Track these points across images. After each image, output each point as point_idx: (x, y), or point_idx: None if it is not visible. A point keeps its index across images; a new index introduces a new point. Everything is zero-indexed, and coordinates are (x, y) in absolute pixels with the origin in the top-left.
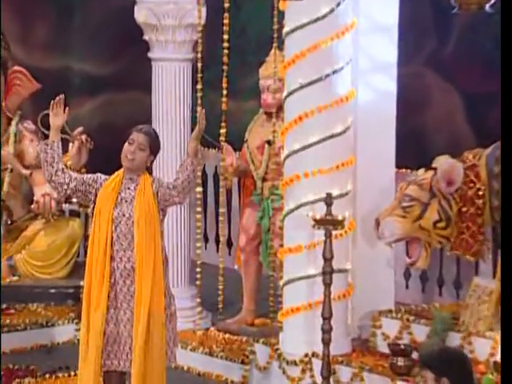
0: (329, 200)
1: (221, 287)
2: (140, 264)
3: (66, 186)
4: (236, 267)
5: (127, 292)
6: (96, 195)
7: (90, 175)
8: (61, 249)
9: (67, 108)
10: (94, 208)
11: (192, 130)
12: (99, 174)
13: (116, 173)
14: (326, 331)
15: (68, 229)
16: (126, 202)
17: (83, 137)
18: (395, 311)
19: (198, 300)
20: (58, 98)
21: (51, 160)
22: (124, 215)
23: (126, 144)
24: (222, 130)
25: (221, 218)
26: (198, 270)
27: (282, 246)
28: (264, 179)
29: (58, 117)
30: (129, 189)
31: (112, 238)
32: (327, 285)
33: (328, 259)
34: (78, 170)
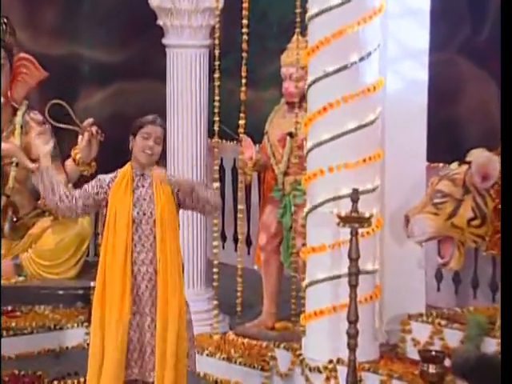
0: (355, 196)
1: (239, 289)
2: (163, 266)
3: (74, 208)
4: (255, 267)
5: (149, 297)
6: (106, 199)
7: (91, 184)
8: (69, 247)
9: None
10: (106, 211)
11: (209, 121)
12: (100, 177)
13: (121, 170)
14: (352, 336)
15: (77, 226)
16: (144, 200)
17: (93, 128)
18: (426, 315)
19: (215, 302)
20: (43, 128)
21: (51, 187)
22: (144, 214)
23: (141, 138)
24: (241, 122)
25: (239, 215)
26: (215, 270)
27: (304, 245)
28: (285, 174)
29: (47, 144)
30: (143, 186)
31: (132, 240)
32: (353, 286)
33: (354, 259)
34: (88, 164)
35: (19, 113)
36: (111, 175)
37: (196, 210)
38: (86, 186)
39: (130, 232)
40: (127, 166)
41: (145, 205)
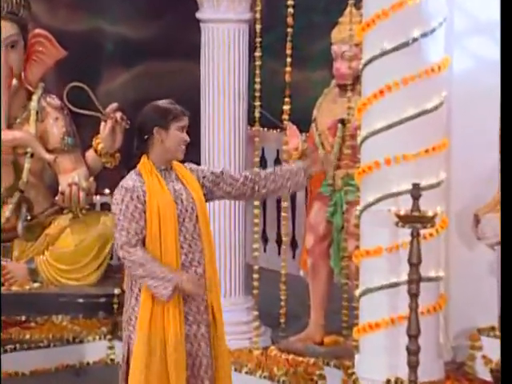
0: (416, 192)
1: (283, 297)
2: (212, 265)
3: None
4: (301, 273)
5: (201, 302)
6: (145, 203)
7: (130, 205)
8: (91, 250)
9: None
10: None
11: (249, 106)
12: (125, 185)
13: (141, 168)
14: (413, 352)
15: (99, 226)
16: (181, 195)
17: (118, 115)
18: (499, 329)
19: (256, 313)
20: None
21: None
22: (187, 211)
23: (177, 132)
24: (286, 107)
25: (283, 214)
26: (256, 276)
27: (357, 247)
28: (336, 167)
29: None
30: (173, 181)
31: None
32: (414, 296)
33: (415, 264)
34: (111, 155)
35: (34, 97)
36: (130, 179)
37: (230, 196)
38: (127, 213)
39: (177, 233)
40: (145, 162)
41: (185, 201)
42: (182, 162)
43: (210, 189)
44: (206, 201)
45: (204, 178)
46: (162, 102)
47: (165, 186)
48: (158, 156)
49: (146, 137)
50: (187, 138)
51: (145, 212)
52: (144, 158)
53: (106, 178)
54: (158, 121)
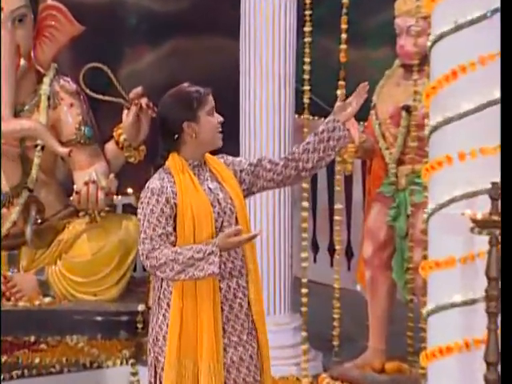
0: (495, 192)
1: (336, 316)
2: (255, 276)
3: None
4: (358, 288)
5: (245, 319)
6: (176, 206)
7: (157, 208)
8: (111, 259)
9: None
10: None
11: (296, 91)
12: (152, 186)
13: (171, 166)
14: (492, 382)
15: (121, 231)
16: (218, 195)
17: (143, 101)
18: None
19: (304, 334)
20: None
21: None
22: (225, 213)
23: (208, 117)
24: (340, 91)
25: (336, 218)
26: (304, 291)
27: (425, 257)
28: (400, 162)
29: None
30: (207, 180)
31: None
32: (493, 315)
33: (493, 278)
34: (135, 148)
35: (46, 80)
36: (158, 178)
37: (274, 184)
38: (152, 218)
39: (214, 231)
40: (176, 159)
41: (222, 201)
42: (214, 153)
43: (250, 182)
44: (247, 195)
45: (242, 171)
46: (180, 89)
47: (199, 185)
48: (190, 151)
49: (175, 136)
50: (220, 118)
51: (175, 216)
52: (174, 155)
53: (129, 175)
54: (185, 114)
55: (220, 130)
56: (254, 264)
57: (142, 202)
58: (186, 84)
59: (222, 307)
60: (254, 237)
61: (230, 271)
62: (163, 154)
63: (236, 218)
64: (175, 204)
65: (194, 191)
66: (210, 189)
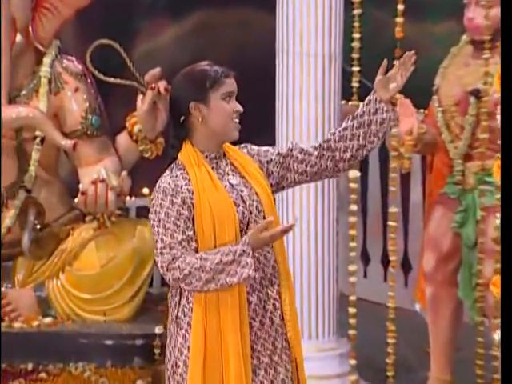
0: None
1: (391, 341)
2: (285, 288)
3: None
4: (417, 307)
5: (278, 336)
6: (193, 207)
7: (175, 211)
8: (123, 272)
9: None
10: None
11: (344, 72)
12: (164, 186)
13: (184, 159)
14: None
15: (135, 239)
16: (241, 191)
17: (161, 84)
18: None
19: (353, 362)
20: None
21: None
22: (251, 213)
23: (222, 102)
24: None
25: (391, 224)
26: (352, 311)
27: (498, 272)
28: (467, 157)
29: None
30: (228, 174)
31: None
32: None
33: None
34: (151, 141)
35: (46, 60)
36: (170, 175)
37: (307, 178)
38: (168, 223)
39: (238, 233)
40: (189, 151)
41: (247, 199)
42: (235, 143)
43: (279, 175)
44: (276, 191)
45: (269, 163)
46: (195, 67)
47: (218, 181)
48: (203, 140)
49: (182, 118)
50: (238, 107)
51: (193, 219)
52: (186, 146)
53: (145, 172)
54: (194, 93)
55: (236, 119)
56: (287, 270)
57: (153, 205)
58: (204, 62)
59: (250, 323)
60: (290, 228)
61: (261, 281)
62: (174, 142)
63: (264, 218)
64: (192, 205)
65: (212, 188)
66: (231, 185)
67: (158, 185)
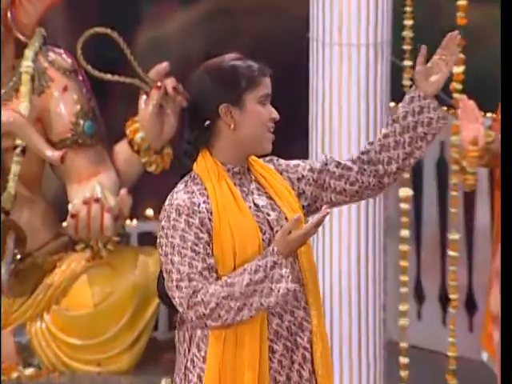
0: None
1: None
2: (319, 330)
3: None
4: (484, 357)
5: (298, 381)
6: (212, 230)
7: (192, 234)
8: (122, 312)
9: None
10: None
11: (392, 67)
12: (178, 204)
13: (201, 172)
14: None
15: (136, 271)
16: (268, 215)
17: (168, 82)
18: None
19: None
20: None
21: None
22: None
23: (258, 106)
24: (457, 69)
25: (451, 254)
26: (404, 361)
27: None
28: None
29: None
30: (253, 193)
31: None
32: None
33: None
34: (157, 151)
35: (29, 52)
36: (185, 191)
37: (346, 197)
38: (185, 249)
39: None
40: (208, 162)
41: (274, 224)
42: (260, 156)
43: (312, 195)
44: (309, 214)
45: (300, 180)
46: (223, 61)
47: (242, 200)
48: (227, 151)
49: (206, 123)
50: (275, 114)
51: (212, 243)
52: (205, 156)
53: (149, 190)
54: (225, 93)
55: (271, 129)
56: (320, 313)
57: (164, 228)
58: (232, 55)
59: (275, 378)
60: (323, 218)
61: (289, 326)
62: (188, 149)
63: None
64: (212, 227)
65: (235, 209)
66: (256, 206)
67: (169, 202)
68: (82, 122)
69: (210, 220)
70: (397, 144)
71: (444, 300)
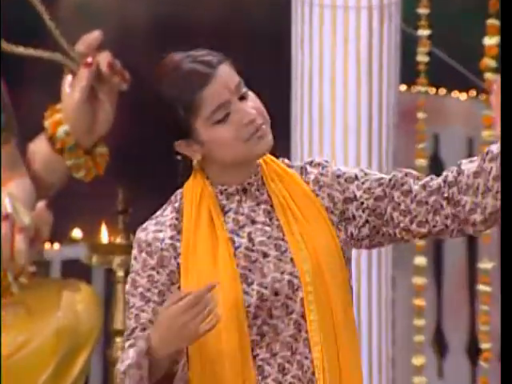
0: None
1: None
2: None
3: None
4: None
5: None
6: (177, 274)
7: (145, 276)
8: (42, 366)
9: None
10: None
11: (403, 35)
12: (145, 237)
13: (187, 193)
14: None
15: (59, 312)
16: (265, 256)
17: (103, 58)
18: None
19: None
20: None
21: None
22: (277, 294)
23: (215, 126)
24: (491, 41)
25: (483, 288)
26: None
27: None
28: None
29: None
30: (254, 222)
31: (252, 341)
32: None
33: None
34: (87, 150)
35: None
36: (156, 221)
37: (408, 236)
38: (138, 288)
39: (246, 331)
40: (196, 179)
41: (271, 268)
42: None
43: (373, 226)
44: (353, 247)
45: (356, 200)
46: (159, 77)
47: (223, 237)
48: (217, 170)
49: (179, 157)
50: (248, 116)
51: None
52: (194, 173)
53: (77, 203)
54: (171, 130)
55: (252, 129)
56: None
57: (132, 261)
58: (173, 57)
59: None
60: (206, 292)
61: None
62: (181, 161)
63: (302, 299)
64: (178, 269)
65: (206, 252)
66: (252, 242)
67: (137, 231)
68: None
69: (175, 259)
70: (487, 190)
71: (472, 351)
